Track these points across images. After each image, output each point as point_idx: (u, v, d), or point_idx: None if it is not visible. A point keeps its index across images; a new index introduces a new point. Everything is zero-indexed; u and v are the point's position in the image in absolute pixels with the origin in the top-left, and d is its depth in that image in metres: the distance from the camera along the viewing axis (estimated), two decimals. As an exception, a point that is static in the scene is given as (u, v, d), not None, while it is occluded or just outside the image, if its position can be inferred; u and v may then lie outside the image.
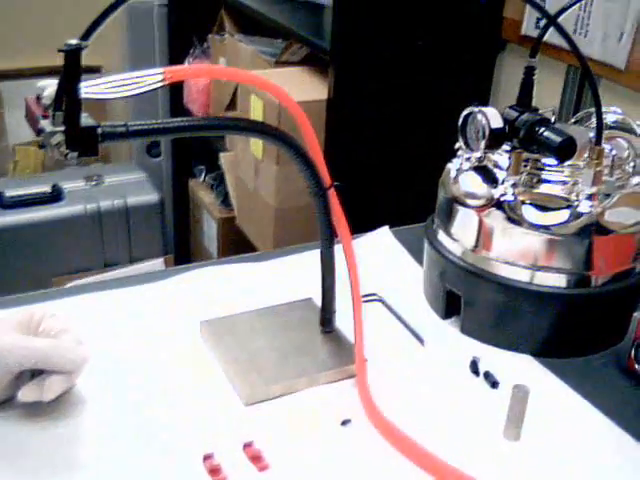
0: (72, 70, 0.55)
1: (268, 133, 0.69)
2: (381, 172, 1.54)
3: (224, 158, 1.90)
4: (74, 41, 0.53)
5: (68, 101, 0.57)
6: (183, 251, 2.58)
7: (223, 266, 0.99)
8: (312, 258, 0.99)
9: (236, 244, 2.04)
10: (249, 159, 1.67)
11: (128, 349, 0.80)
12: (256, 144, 1.60)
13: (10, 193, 2.19)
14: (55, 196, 2.22)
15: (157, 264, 2.34)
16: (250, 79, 0.67)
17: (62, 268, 2.20)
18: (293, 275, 0.97)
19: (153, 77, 0.63)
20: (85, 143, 0.59)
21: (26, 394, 0.67)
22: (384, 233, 1.07)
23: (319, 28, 1.68)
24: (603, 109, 0.91)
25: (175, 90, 2.41)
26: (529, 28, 1.45)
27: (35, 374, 0.68)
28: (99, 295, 0.90)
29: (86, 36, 0.55)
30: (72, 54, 0.54)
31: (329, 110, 1.42)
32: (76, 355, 0.68)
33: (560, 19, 0.79)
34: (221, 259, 1.02)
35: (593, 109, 0.92)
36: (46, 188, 2.24)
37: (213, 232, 2.29)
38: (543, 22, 1.40)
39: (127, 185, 2.33)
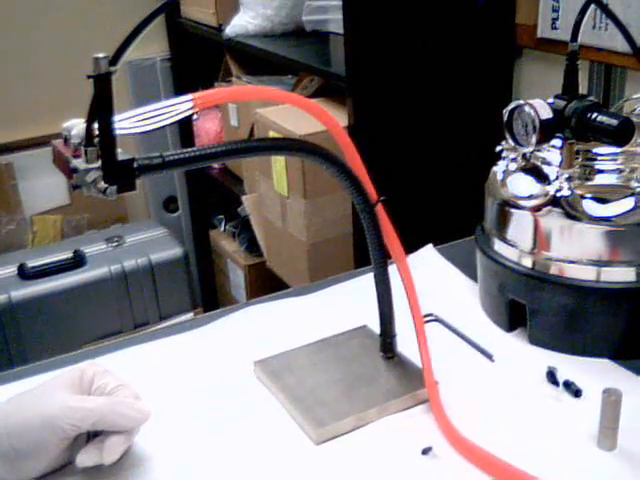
0: (103, 99, 0.52)
1: (310, 151, 0.65)
2: (413, 191, 1.50)
3: (247, 200, 1.87)
4: (101, 55, 0.50)
5: (103, 135, 0.54)
6: (211, 303, 2.54)
7: (266, 304, 0.94)
8: (356, 286, 0.96)
9: (265, 289, 2.00)
10: (274, 197, 1.64)
11: (182, 399, 0.76)
12: (280, 181, 1.57)
13: (32, 264, 2.16)
14: (78, 262, 2.19)
15: (187, 319, 2.29)
16: (286, 97, 0.64)
17: (92, 334, 2.16)
18: (339, 305, 0.92)
19: (183, 105, 0.60)
20: (122, 177, 0.55)
21: (85, 459, 0.61)
22: (429, 251, 1.03)
23: (329, 57, 1.66)
24: (634, 96, 0.87)
25: (186, 139, 2.40)
26: (545, 30, 1.42)
27: (91, 435, 0.63)
28: (141, 348, 0.86)
29: (114, 61, 0.51)
30: (102, 80, 0.50)
31: (352, 136, 1.39)
32: (137, 411, 0.63)
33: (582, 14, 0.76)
34: (260, 298, 0.98)
35: (629, 99, 0.89)
36: (68, 255, 2.21)
37: (240, 280, 2.25)
38: (559, 22, 1.37)
39: (149, 242, 2.29)
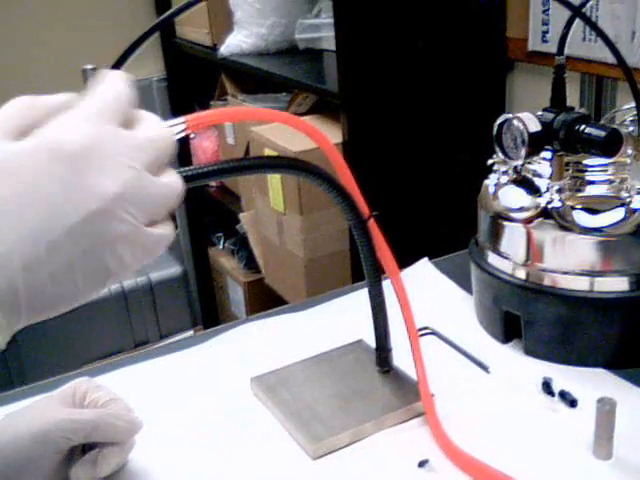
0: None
1: (301, 169, 0.65)
2: (408, 205, 1.51)
3: (244, 218, 1.88)
4: (89, 66, 0.50)
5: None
6: (211, 320, 2.54)
7: (263, 320, 0.95)
8: (352, 300, 0.96)
9: (265, 305, 2.00)
10: (271, 214, 1.65)
11: (179, 416, 0.76)
12: (277, 197, 1.58)
13: (32, 285, 2.17)
14: (77, 282, 2.19)
15: (187, 336, 2.29)
16: (277, 117, 0.64)
17: (92, 354, 2.16)
18: (336, 320, 0.93)
19: (176, 127, 0.60)
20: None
21: (79, 472, 0.62)
22: (424, 264, 1.03)
23: (323, 74, 1.68)
24: (624, 107, 0.88)
25: (183, 157, 2.41)
26: (536, 44, 1.43)
27: (86, 450, 0.64)
28: (139, 367, 0.86)
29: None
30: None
31: (346, 152, 1.40)
32: (128, 422, 0.64)
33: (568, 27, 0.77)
34: (258, 314, 0.98)
35: (620, 110, 0.89)
36: (67, 275, 2.22)
37: (240, 297, 2.26)
38: (549, 36, 1.39)
39: (148, 261, 2.30)
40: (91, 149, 0.40)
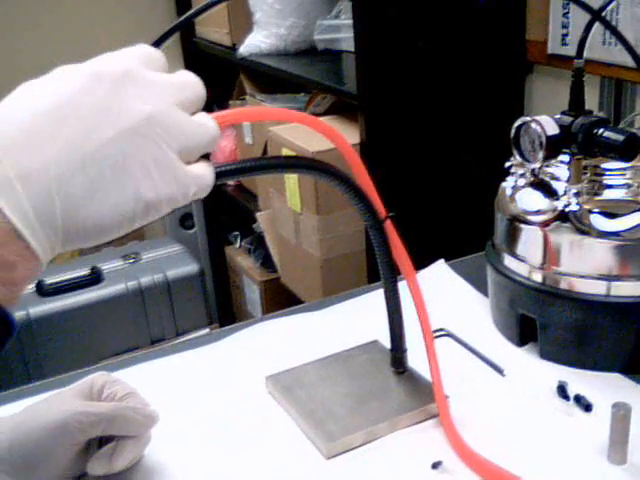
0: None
1: (318, 169, 0.66)
2: (425, 207, 1.51)
3: (261, 217, 1.89)
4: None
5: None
6: (227, 319, 2.55)
7: (278, 319, 0.95)
8: (368, 301, 0.96)
9: (280, 304, 2.01)
10: (287, 214, 1.65)
11: (194, 414, 0.77)
12: (294, 197, 1.58)
13: (50, 280, 2.18)
14: (95, 278, 2.21)
15: (203, 334, 2.30)
16: (294, 117, 0.64)
17: (109, 350, 2.17)
18: (351, 320, 0.93)
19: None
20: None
21: (95, 466, 0.62)
22: (440, 266, 1.03)
23: (341, 75, 1.68)
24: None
25: (202, 156, 2.42)
26: (555, 47, 1.42)
27: (103, 443, 0.64)
28: (155, 363, 0.87)
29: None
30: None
31: (364, 153, 1.41)
32: (145, 416, 0.64)
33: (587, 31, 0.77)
34: (274, 313, 0.99)
35: (639, 114, 0.89)
36: (85, 271, 2.23)
37: (256, 296, 2.26)
38: (569, 39, 1.38)
39: (165, 259, 2.31)
40: (130, 77, 0.44)
